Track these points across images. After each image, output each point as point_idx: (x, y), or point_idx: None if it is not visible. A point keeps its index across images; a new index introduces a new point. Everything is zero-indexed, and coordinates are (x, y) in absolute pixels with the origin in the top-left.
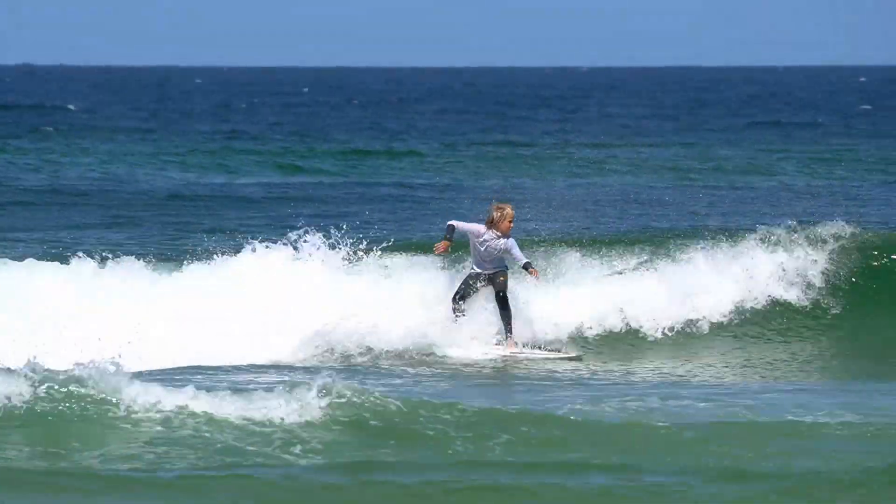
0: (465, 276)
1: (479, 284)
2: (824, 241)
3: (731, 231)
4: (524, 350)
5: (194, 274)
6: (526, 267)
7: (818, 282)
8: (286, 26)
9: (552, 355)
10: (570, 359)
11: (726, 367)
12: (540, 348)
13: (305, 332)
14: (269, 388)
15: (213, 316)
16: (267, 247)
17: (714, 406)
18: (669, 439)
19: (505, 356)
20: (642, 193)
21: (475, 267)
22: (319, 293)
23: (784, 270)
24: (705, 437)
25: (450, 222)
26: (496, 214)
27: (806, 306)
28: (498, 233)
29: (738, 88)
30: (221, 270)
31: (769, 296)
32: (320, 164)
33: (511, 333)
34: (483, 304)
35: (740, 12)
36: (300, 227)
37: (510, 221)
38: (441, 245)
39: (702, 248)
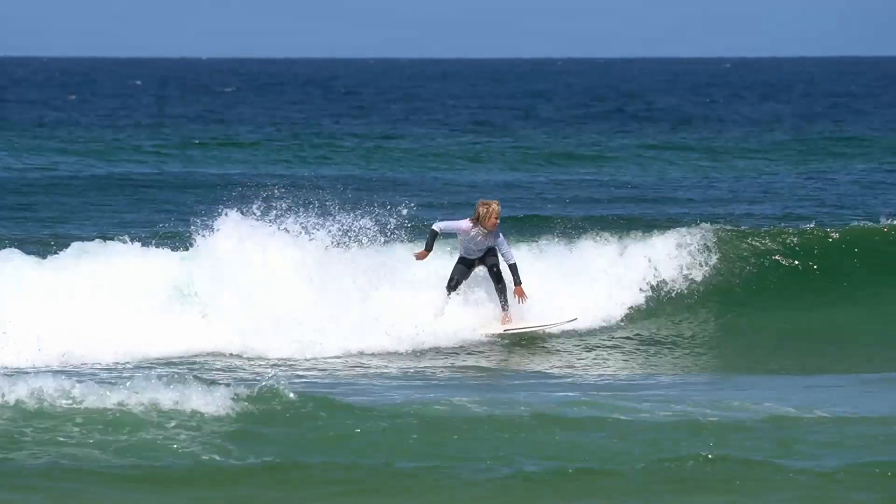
0: (455, 263)
1: (470, 268)
2: (684, 236)
3: (588, 222)
4: (520, 324)
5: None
6: (513, 269)
7: (685, 276)
8: (105, 15)
9: (551, 322)
10: (568, 322)
11: (593, 360)
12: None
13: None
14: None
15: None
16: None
17: (545, 396)
18: (455, 429)
19: (502, 332)
20: (491, 183)
21: (464, 254)
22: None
23: (651, 264)
24: (503, 428)
25: (434, 226)
26: (482, 211)
27: (671, 300)
28: (485, 229)
29: (565, 79)
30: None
31: (639, 289)
32: (147, 154)
33: (507, 307)
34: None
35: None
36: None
37: (496, 218)
38: (420, 255)
39: (563, 240)
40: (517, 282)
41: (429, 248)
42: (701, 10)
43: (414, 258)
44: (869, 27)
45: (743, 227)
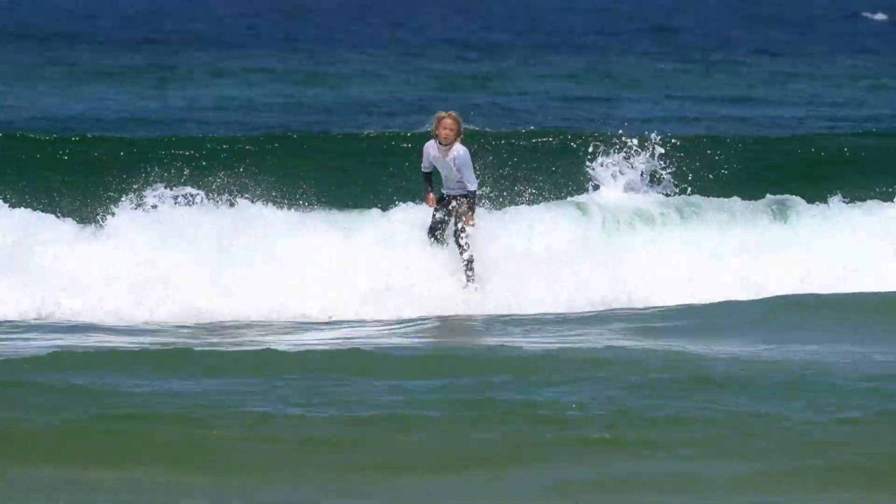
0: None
1: (441, 213)
2: None
3: None
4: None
5: None
6: (470, 196)
7: None
8: None
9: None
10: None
11: None
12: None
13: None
14: None
15: None
16: None
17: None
18: None
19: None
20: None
21: (442, 188)
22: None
23: None
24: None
25: (422, 168)
26: (434, 123)
27: None
28: (440, 143)
29: None
30: None
31: None
32: None
33: (471, 279)
34: None
35: None
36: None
37: (448, 130)
38: (429, 199)
39: None
40: (469, 208)
41: (429, 190)
42: None
43: (428, 203)
44: None
45: None
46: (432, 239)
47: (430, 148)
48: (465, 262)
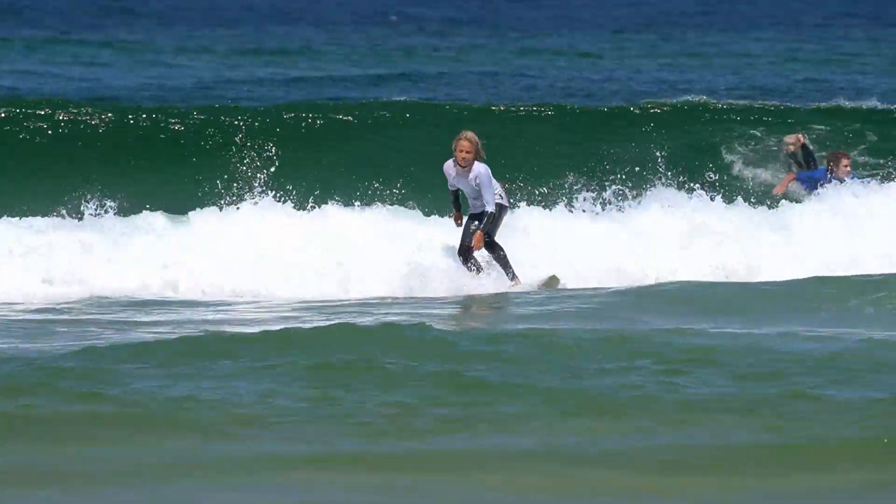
0: (464, 226)
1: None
2: None
3: None
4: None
5: None
6: (483, 215)
7: None
8: None
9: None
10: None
11: None
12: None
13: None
14: None
15: None
16: None
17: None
18: None
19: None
20: None
21: (471, 207)
22: None
23: None
24: None
25: (449, 188)
26: (453, 145)
27: None
28: (460, 166)
29: None
30: None
31: None
32: None
33: (512, 276)
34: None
35: None
36: None
37: (466, 152)
38: (455, 217)
39: None
40: (479, 228)
41: (457, 208)
42: None
43: (455, 221)
44: None
45: None
46: (465, 261)
47: (449, 168)
48: (502, 262)
